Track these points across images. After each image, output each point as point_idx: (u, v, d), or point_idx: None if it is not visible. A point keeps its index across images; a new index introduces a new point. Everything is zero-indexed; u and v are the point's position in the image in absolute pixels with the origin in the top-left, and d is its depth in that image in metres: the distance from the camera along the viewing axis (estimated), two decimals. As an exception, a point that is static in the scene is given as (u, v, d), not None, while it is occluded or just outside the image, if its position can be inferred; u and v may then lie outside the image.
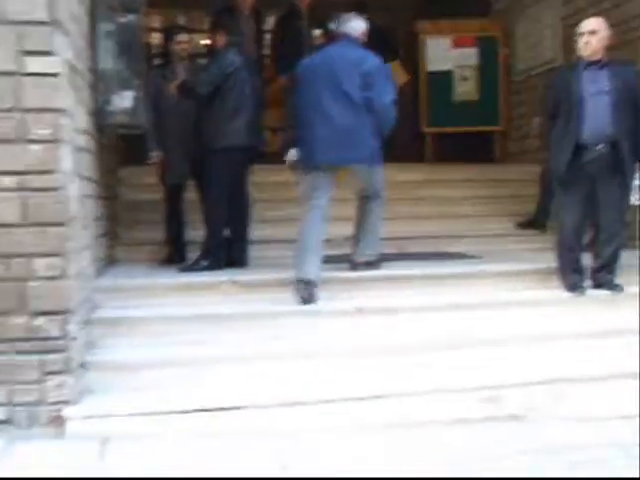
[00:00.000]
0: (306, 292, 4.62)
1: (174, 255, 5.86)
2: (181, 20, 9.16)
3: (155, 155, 5.89)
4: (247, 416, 3.72)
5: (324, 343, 4.32)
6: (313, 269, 4.71)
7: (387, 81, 5.03)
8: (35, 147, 3.51)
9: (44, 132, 3.53)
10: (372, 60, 4.97)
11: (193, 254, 5.66)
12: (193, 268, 5.39)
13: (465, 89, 8.96)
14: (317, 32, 7.12)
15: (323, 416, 3.74)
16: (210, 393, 3.85)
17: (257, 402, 3.78)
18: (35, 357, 3.60)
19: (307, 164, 4.98)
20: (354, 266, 5.12)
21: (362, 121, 4.86)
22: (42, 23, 3.52)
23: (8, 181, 3.53)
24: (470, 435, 3.60)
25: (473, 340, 4.43)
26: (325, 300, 4.67)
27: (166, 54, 6.15)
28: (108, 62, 4.83)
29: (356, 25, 5.11)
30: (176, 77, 5.81)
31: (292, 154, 5.18)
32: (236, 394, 3.84)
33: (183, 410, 3.69)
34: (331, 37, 6.57)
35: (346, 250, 5.27)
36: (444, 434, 3.60)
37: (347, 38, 5.07)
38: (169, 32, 6.31)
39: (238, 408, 3.73)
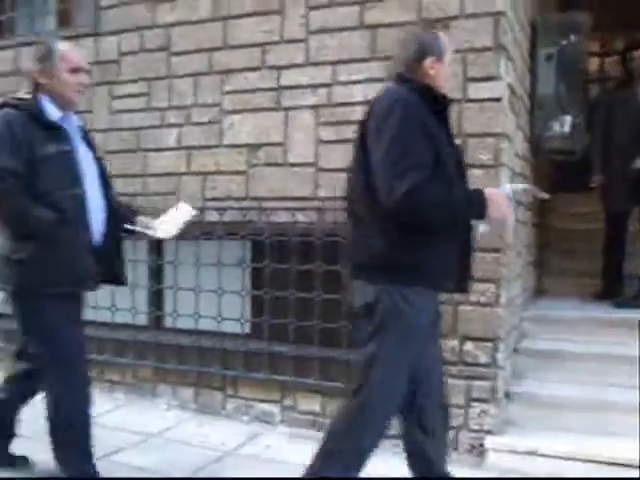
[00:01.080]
0: None
1: (610, 288, 5.40)
2: (619, 44, 8.71)
3: (597, 179, 5.47)
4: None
5: None
6: None
7: None
8: (476, 172, 3.52)
9: (485, 157, 3.54)
10: None
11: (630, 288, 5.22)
12: (631, 304, 4.94)
13: None
14: None
15: None
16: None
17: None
18: (462, 382, 3.63)
19: None
20: None
21: None
22: (487, 49, 3.56)
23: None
24: None
25: None
26: None
27: (625, 75, 5.90)
28: (548, 86, 4.70)
29: None
30: (635, 98, 5.40)
31: None
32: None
33: (602, 460, 3.35)
34: None
35: None
36: None
37: None
38: (625, 52, 5.97)
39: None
